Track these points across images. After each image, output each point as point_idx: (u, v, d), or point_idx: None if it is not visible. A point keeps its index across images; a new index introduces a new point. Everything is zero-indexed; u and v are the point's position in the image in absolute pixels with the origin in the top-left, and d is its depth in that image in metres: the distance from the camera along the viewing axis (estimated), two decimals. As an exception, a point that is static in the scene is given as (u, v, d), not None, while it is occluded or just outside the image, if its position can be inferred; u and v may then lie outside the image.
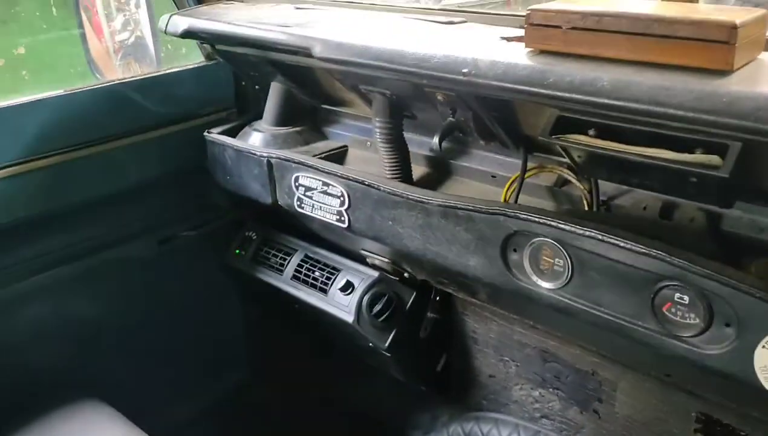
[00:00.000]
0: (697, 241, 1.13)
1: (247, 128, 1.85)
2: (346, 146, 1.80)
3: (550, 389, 1.72)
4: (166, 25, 1.69)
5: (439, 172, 1.60)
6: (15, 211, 1.65)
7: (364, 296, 1.70)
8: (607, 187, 1.29)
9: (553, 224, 1.15)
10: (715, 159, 0.96)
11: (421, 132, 1.58)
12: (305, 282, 1.80)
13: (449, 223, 1.30)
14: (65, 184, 1.72)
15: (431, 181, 1.58)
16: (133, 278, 1.97)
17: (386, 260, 1.62)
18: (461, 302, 1.82)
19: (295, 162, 1.58)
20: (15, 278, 1.72)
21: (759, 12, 0.97)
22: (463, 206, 1.27)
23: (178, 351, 2.10)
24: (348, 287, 1.72)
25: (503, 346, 1.79)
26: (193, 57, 2.01)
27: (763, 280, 0.98)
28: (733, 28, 0.90)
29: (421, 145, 1.59)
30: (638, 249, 1.05)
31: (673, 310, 1.05)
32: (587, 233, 1.11)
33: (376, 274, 1.72)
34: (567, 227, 1.13)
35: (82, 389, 1.66)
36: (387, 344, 1.71)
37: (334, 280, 1.76)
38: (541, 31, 1.07)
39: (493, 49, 1.15)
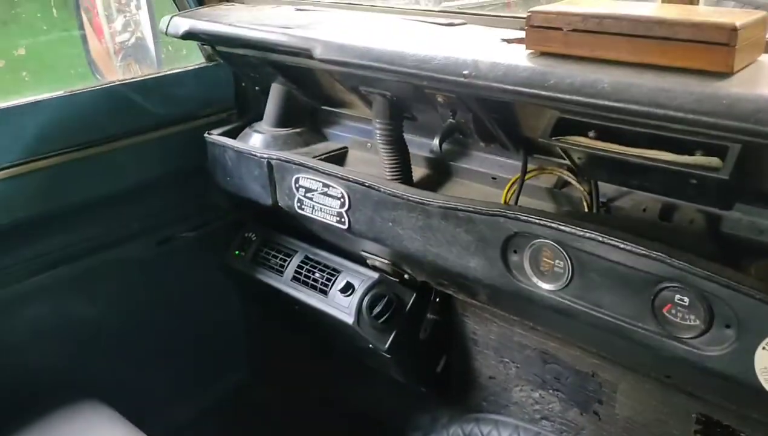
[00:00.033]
0: (696, 242, 1.13)
1: (247, 129, 1.85)
2: (346, 148, 1.80)
3: (550, 391, 1.73)
4: (167, 26, 1.70)
5: (440, 174, 1.60)
6: (15, 211, 1.65)
7: (365, 297, 1.70)
8: (606, 188, 1.29)
9: (553, 225, 1.15)
10: (714, 161, 0.96)
11: (421, 134, 1.58)
12: (305, 283, 1.80)
13: (449, 224, 1.30)
14: (65, 185, 1.72)
15: (431, 183, 1.58)
16: (132, 278, 1.97)
17: (386, 261, 1.62)
18: (461, 304, 1.82)
19: (295, 163, 1.58)
20: (15, 279, 1.72)
21: (759, 14, 0.97)
22: (463, 208, 1.27)
23: (177, 352, 2.10)
24: (348, 289, 1.72)
25: (503, 347, 1.79)
26: (193, 58, 2.01)
27: (763, 281, 0.98)
28: (733, 30, 0.91)
29: (422, 146, 1.60)
30: (638, 251, 1.06)
31: (673, 311, 1.06)
32: (587, 235, 1.11)
33: (376, 275, 1.72)
34: (567, 229, 1.13)
35: (81, 390, 1.66)
36: (387, 346, 1.71)
37: (335, 281, 1.76)
38: (542, 33, 1.07)
39: (493, 50, 1.15)
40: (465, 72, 1.11)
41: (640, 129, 1.01)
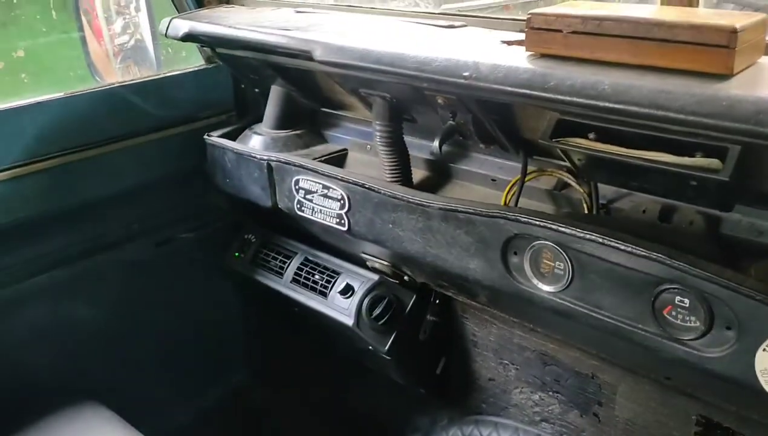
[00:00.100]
0: (696, 244, 1.13)
1: (247, 131, 1.85)
2: (346, 149, 1.80)
3: (550, 393, 1.73)
4: (167, 28, 1.70)
5: (439, 176, 1.60)
6: (14, 212, 1.65)
7: (364, 299, 1.70)
8: (606, 190, 1.30)
9: (553, 227, 1.15)
10: (714, 162, 0.96)
11: (421, 135, 1.59)
12: (305, 285, 1.80)
13: (449, 226, 1.30)
14: (64, 187, 1.72)
15: (431, 185, 1.58)
16: (131, 280, 1.97)
17: (386, 263, 1.62)
18: (461, 305, 1.82)
19: (295, 165, 1.58)
20: (14, 280, 1.72)
21: (759, 16, 0.97)
22: (463, 209, 1.27)
23: (176, 353, 2.09)
24: (348, 290, 1.72)
25: (503, 349, 1.79)
26: (193, 60, 2.01)
27: (763, 283, 0.98)
28: (732, 32, 0.91)
29: (421, 148, 1.60)
30: (638, 252, 1.06)
31: (673, 313, 1.06)
32: (588, 236, 1.11)
33: (375, 277, 1.72)
34: (567, 230, 1.13)
35: (80, 391, 1.65)
36: (387, 347, 1.71)
37: (334, 283, 1.76)
38: (542, 34, 1.08)
39: (493, 52, 1.15)
40: (465, 74, 1.11)
41: (640, 131, 1.01)
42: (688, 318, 1.04)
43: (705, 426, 1.43)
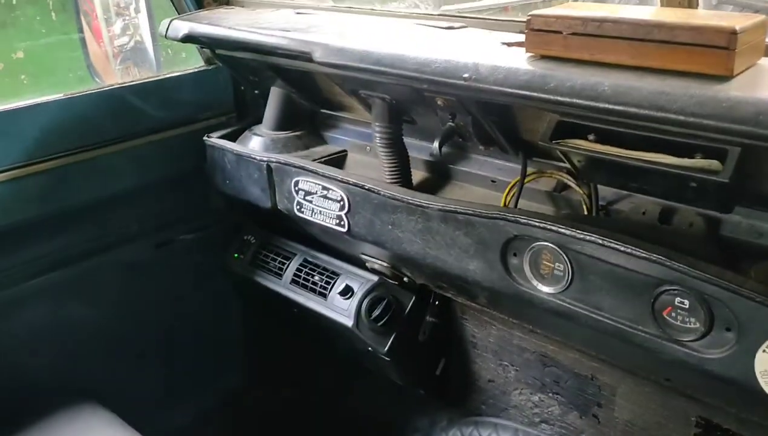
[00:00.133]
0: (696, 245, 1.13)
1: (246, 133, 1.85)
2: (345, 151, 1.80)
3: (550, 394, 1.72)
4: (167, 29, 1.70)
5: (439, 177, 1.60)
6: (14, 214, 1.65)
7: (364, 300, 1.70)
8: (606, 192, 1.30)
9: (553, 228, 1.15)
10: (714, 164, 0.96)
11: (420, 137, 1.58)
12: (304, 286, 1.80)
13: (449, 227, 1.30)
14: (64, 188, 1.72)
15: (431, 186, 1.58)
16: (131, 281, 1.97)
17: (385, 264, 1.62)
18: (460, 307, 1.82)
19: (295, 166, 1.58)
20: (13, 281, 1.72)
21: (758, 18, 0.97)
22: (462, 211, 1.27)
23: (176, 355, 2.09)
24: (347, 292, 1.72)
25: (502, 350, 1.79)
26: (192, 62, 2.01)
27: (763, 284, 0.98)
28: (732, 33, 0.91)
29: (421, 150, 1.60)
30: (638, 254, 1.06)
31: (673, 314, 1.06)
32: (587, 238, 1.11)
33: (375, 278, 1.72)
34: (567, 232, 1.13)
35: (79, 392, 1.65)
36: (386, 349, 1.71)
37: (334, 284, 1.75)
38: (542, 36, 1.08)
39: (493, 54, 1.15)
40: (465, 75, 1.11)
41: (640, 132, 1.01)
42: (687, 319, 1.04)
43: (705, 428, 1.43)
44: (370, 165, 1.68)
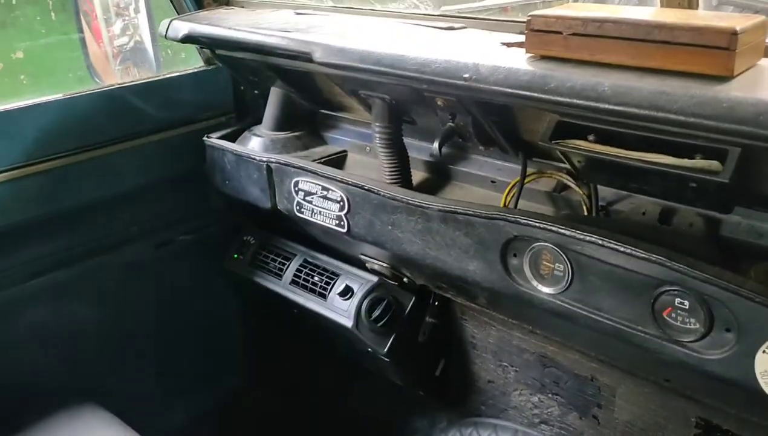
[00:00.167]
0: (696, 246, 1.13)
1: (246, 133, 1.85)
2: (345, 151, 1.80)
3: (549, 395, 1.72)
4: (167, 29, 1.70)
5: (439, 178, 1.60)
6: (13, 214, 1.65)
7: (363, 300, 1.70)
8: (606, 192, 1.30)
9: (553, 228, 1.15)
10: (714, 164, 0.96)
11: (420, 137, 1.59)
12: (304, 287, 1.80)
13: (449, 228, 1.30)
14: (64, 188, 1.72)
15: (431, 187, 1.58)
16: (130, 281, 1.96)
17: (385, 264, 1.62)
18: (460, 307, 1.82)
19: (294, 167, 1.58)
20: (13, 282, 1.72)
21: (758, 18, 0.98)
22: (462, 211, 1.27)
23: (175, 355, 2.09)
24: (347, 292, 1.71)
25: (502, 351, 1.79)
26: (192, 62, 2.01)
27: (762, 285, 0.98)
28: (733, 34, 0.91)
29: (421, 150, 1.60)
30: (638, 254, 1.06)
31: (673, 315, 1.06)
32: (587, 238, 1.11)
33: (375, 279, 1.72)
34: (567, 232, 1.13)
35: (79, 393, 1.65)
36: (386, 349, 1.71)
37: (333, 285, 1.75)
38: (542, 36, 1.08)
39: (493, 54, 1.15)
40: (465, 75, 1.11)
41: (640, 132, 1.01)
42: (687, 320, 1.04)
43: (704, 428, 1.43)
44: (369, 165, 1.68)
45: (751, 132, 0.85)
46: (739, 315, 0.99)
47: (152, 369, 2.04)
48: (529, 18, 1.09)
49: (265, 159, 1.65)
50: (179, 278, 2.07)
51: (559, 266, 1.17)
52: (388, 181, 1.52)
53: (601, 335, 1.17)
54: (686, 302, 1.03)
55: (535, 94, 1.03)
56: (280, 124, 1.83)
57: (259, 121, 1.87)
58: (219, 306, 2.19)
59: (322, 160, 1.73)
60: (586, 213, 1.30)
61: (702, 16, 1.06)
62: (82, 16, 2.52)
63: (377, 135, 1.51)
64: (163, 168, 1.91)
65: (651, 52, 0.98)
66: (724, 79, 0.93)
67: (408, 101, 1.43)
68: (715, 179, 0.95)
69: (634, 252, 1.06)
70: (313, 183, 1.54)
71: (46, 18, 2.73)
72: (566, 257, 1.15)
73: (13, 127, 1.61)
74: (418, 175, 1.61)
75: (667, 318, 1.06)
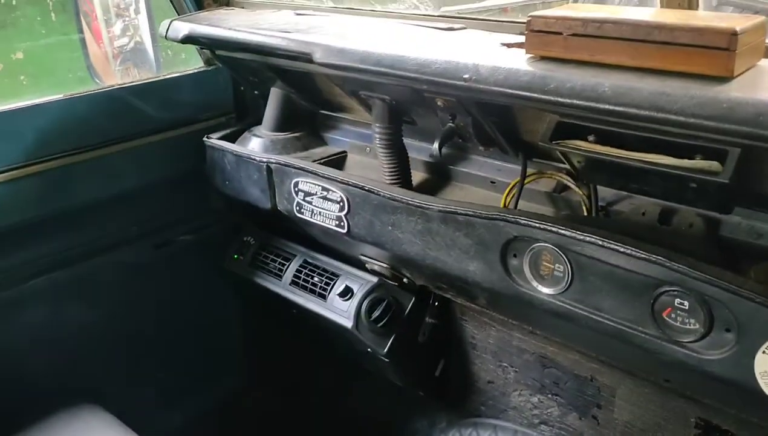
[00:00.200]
0: (696, 246, 1.13)
1: (246, 133, 1.85)
2: (345, 152, 1.80)
3: (549, 395, 1.72)
4: (167, 30, 1.70)
5: (439, 178, 1.60)
6: (13, 214, 1.65)
7: (363, 301, 1.70)
8: (605, 193, 1.30)
9: (553, 229, 1.15)
10: (714, 165, 0.96)
11: (420, 138, 1.59)
12: (304, 287, 1.80)
13: (449, 228, 1.30)
14: (63, 189, 1.72)
15: (431, 187, 1.58)
16: (130, 282, 1.96)
17: (385, 265, 1.62)
18: (460, 308, 1.82)
19: (294, 167, 1.58)
20: (12, 282, 1.72)
21: (758, 19, 0.98)
22: (462, 212, 1.27)
23: (175, 356, 2.09)
24: (347, 293, 1.71)
25: (502, 351, 1.79)
26: (192, 62, 2.01)
27: (762, 285, 0.98)
28: (733, 35, 0.91)
29: (421, 150, 1.60)
30: (638, 254, 1.06)
31: (673, 315, 1.06)
32: (587, 239, 1.11)
33: (375, 279, 1.72)
34: (567, 233, 1.13)
35: (78, 393, 1.65)
36: (385, 350, 1.71)
37: (333, 285, 1.75)
38: (542, 37, 1.08)
39: (493, 55, 1.15)
40: (465, 76, 1.11)
41: (640, 133, 1.01)
42: (687, 320, 1.05)
43: (704, 429, 1.43)
44: (369, 166, 1.68)
45: (751, 132, 0.85)
46: (739, 315, 0.99)
47: (152, 369, 2.04)
48: (529, 18, 1.09)
49: (265, 159, 1.65)
50: (179, 279, 2.07)
51: (559, 267, 1.17)
52: (388, 181, 1.52)
53: (600, 336, 1.17)
54: (686, 303, 1.03)
55: (535, 95, 1.03)
56: (280, 125, 1.83)
57: (259, 122, 1.87)
58: (219, 306, 2.19)
59: (322, 160, 1.73)
60: (585, 214, 1.30)
61: (702, 17, 1.06)
62: (82, 17, 2.52)
63: (377, 136, 1.51)
64: (163, 168, 1.91)
65: (651, 53, 0.98)
66: (724, 79, 0.93)
67: (408, 102, 1.43)
68: (715, 180, 0.95)
69: (634, 252, 1.06)
70: (313, 183, 1.54)
71: (46, 18, 2.73)
72: (566, 257, 1.15)
73: (13, 127, 1.61)
74: (418, 176, 1.61)
75: (667, 318, 1.06)
